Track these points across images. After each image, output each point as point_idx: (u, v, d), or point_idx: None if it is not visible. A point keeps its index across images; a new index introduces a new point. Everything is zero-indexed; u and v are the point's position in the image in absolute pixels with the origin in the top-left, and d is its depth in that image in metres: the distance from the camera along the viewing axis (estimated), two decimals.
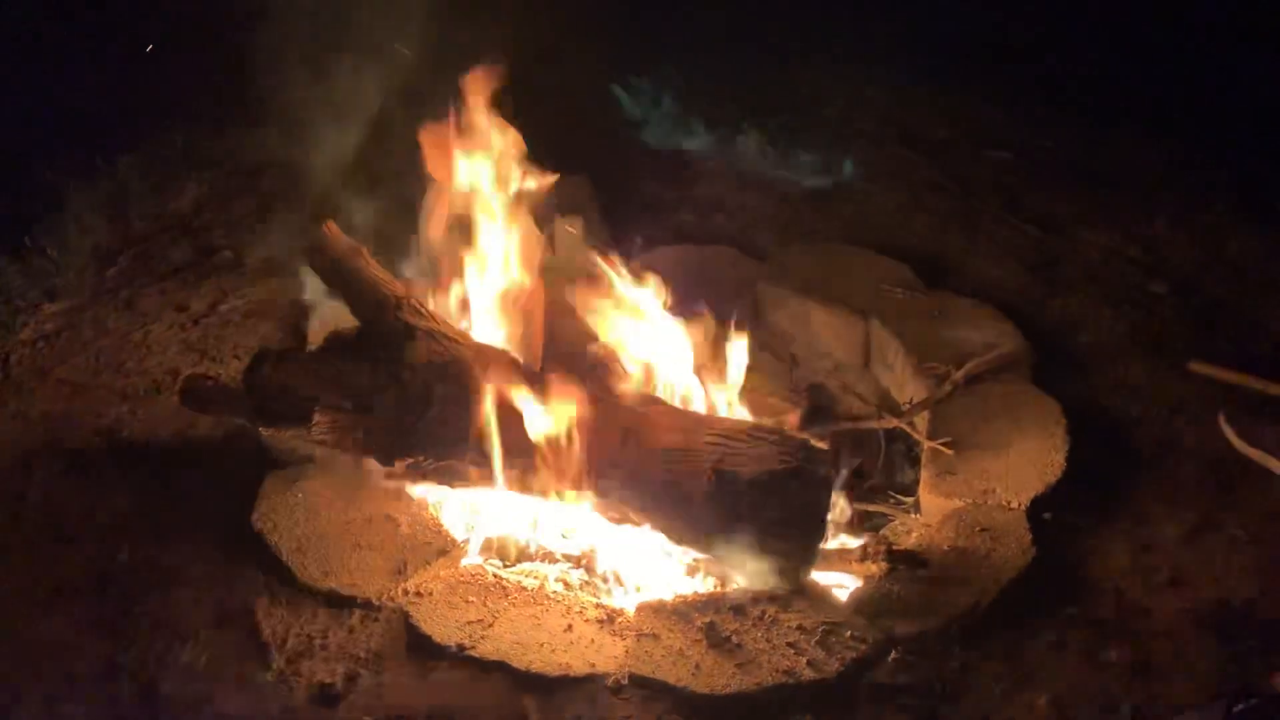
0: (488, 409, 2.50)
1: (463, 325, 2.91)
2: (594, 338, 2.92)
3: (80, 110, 4.33)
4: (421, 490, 2.77)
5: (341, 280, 2.77)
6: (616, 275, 2.98)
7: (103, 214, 4.11)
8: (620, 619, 2.44)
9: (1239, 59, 4.67)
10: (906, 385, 3.23)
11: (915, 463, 3.00)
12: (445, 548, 2.60)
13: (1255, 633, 2.37)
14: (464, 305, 2.99)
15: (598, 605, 2.49)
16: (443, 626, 2.40)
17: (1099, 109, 4.65)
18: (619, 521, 2.57)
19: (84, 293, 3.73)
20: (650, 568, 2.66)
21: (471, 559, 2.64)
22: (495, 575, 2.55)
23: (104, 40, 4.50)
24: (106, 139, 4.34)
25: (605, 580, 2.63)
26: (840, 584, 2.58)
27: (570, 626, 2.42)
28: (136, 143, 4.39)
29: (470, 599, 2.48)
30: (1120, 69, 4.81)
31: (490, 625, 2.41)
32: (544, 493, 2.55)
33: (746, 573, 2.46)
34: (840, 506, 2.77)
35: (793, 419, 2.99)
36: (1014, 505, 2.66)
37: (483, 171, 2.93)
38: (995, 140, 4.61)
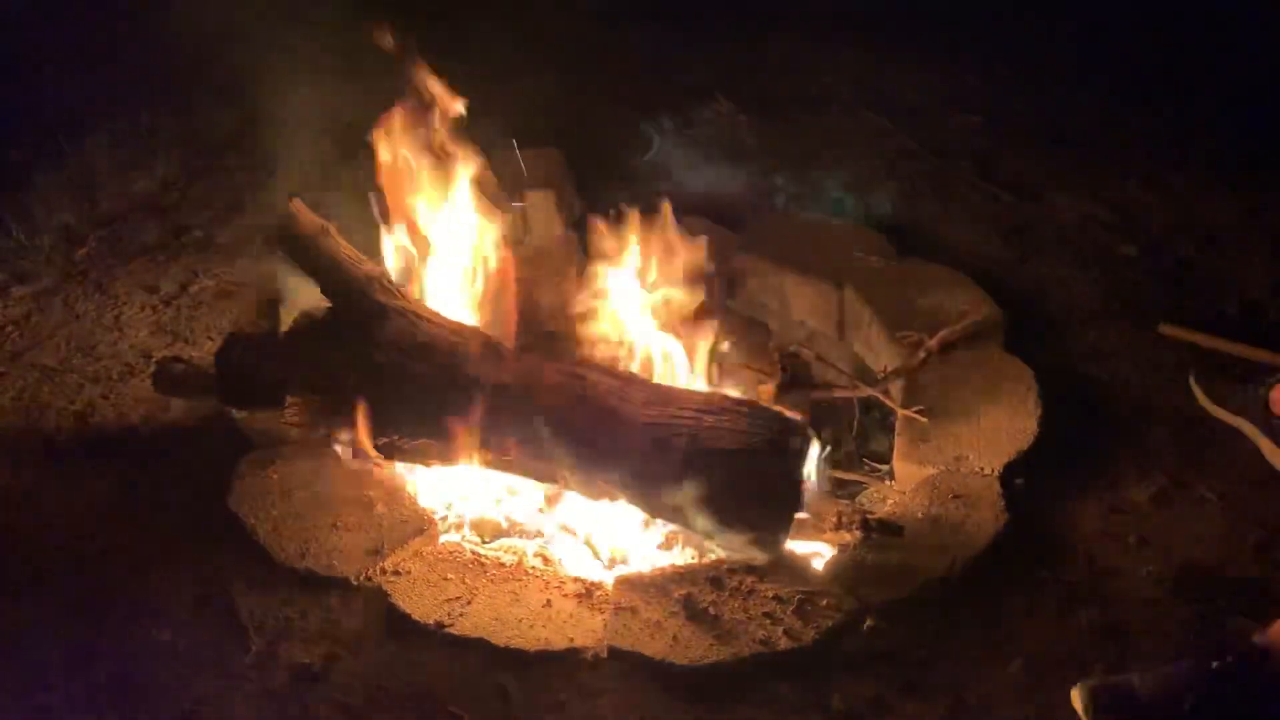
0: (463, 387, 2.50)
1: (433, 304, 2.90)
2: (567, 312, 2.91)
3: (44, 90, 4.28)
4: (397, 469, 2.77)
5: (310, 260, 2.74)
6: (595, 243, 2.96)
7: (69, 195, 4.06)
8: (598, 593, 2.45)
9: (1212, 22, 4.67)
10: (880, 353, 3.24)
11: (889, 430, 3.02)
12: (422, 526, 2.60)
13: (1223, 592, 2.41)
14: (435, 284, 2.97)
15: (575, 579, 2.50)
16: (421, 605, 2.41)
17: (1070, 72, 4.65)
18: (595, 496, 2.58)
19: (53, 275, 3.70)
20: (627, 541, 2.67)
21: (449, 536, 2.64)
22: (473, 552, 2.56)
23: (67, 20, 4.43)
24: (71, 119, 4.29)
25: (582, 554, 2.64)
26: (816, 553, 2.60)
27: (549, 602, 2.43)
28: (102, 123, 4.34)
29: (448, 576, 2.48)
30: (1091, 32, 4.81)
31: (469, 602, 2.42)
32: (519, 470, 2.55)
33: (723, 544, 2.47)
34: (816, 476, 2.78)
35: (767, 389, 3.01)
36: (987, 471, 2.68)
37: (441, 148, 2.90)
38: (967, 105, 4.60)
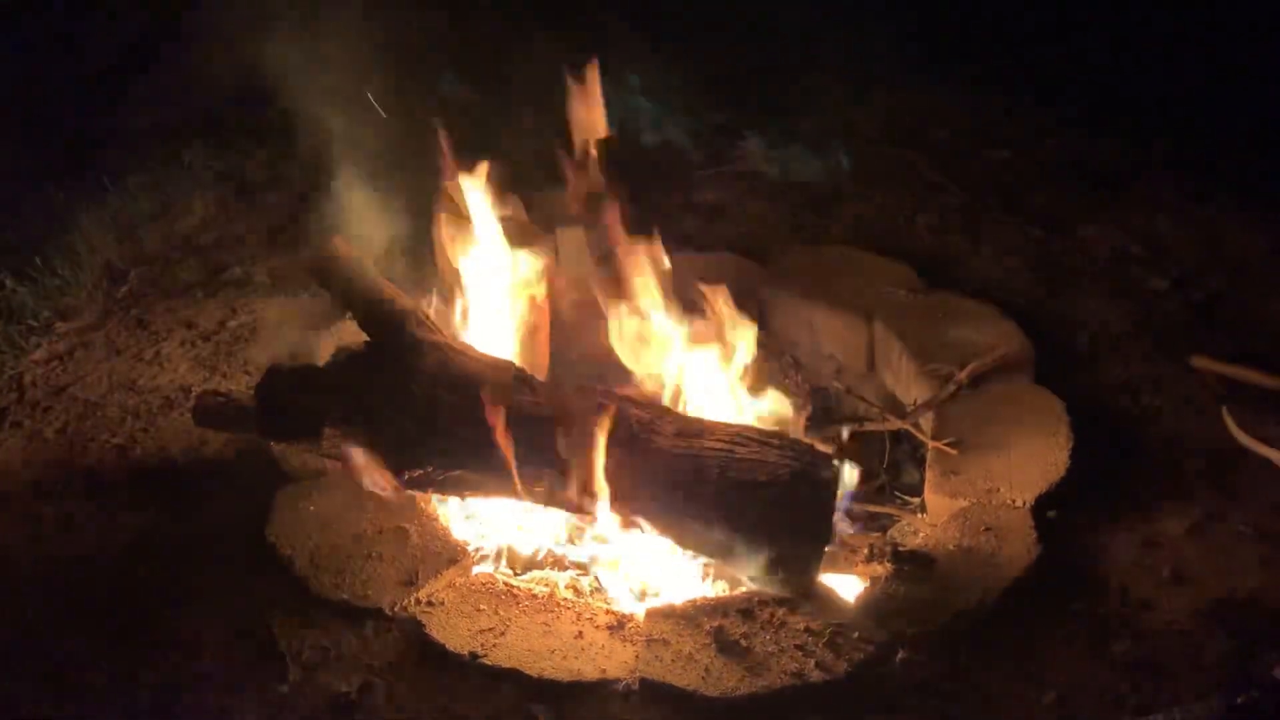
0: (497, 420, 2.53)
1: (468, 338, 2.94)
2: (601, 347, 2.95)
3: (87, 130, 4.38)
4: (432, 500, 2.80)
5: (348, 295, 2.80)
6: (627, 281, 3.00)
7: (111, 233, 4.16)
8: (630, 624, 2.46)
9: (1238, 54, 4.68)
10: (910, 386, 3.25)
11: (920, 463, 3.02)
12: (455, 557, 2.63)
13: (1260, 626, 2.39)
14: (469, 318, 3.02)
15: (608, 611, 2.52)
16: (455, 635, 2.43)
17: (1098, 106, 4.67)
18: (627, 527, 2.60)
19: (95, 312, 3.78)
20: (659, 573, 2.68)
21: (482, 568, 2.67)
22: (506, 583, 2.58)
23: (109, 62, 4.55)
24: (114, 159, 4.39)
25: (614, 587, 2.66)
26: (847, 586, 2.60)
27: (581, 633, 2.45)
28: (144, 162, 4.44)
29: (481, 607, 2.51)
30: (1119, 65, 4.83)
31: (502, 633, 2.44)
32: (554, 502, 2.58)
33: (754, 577, 2.48)
34: (847, 509, 2.79)
35: (798, 422, 3.02)
36: (1019, 504, 2.68)
37: (482, 186, 2.96)
38: (995, 139, 4.62)
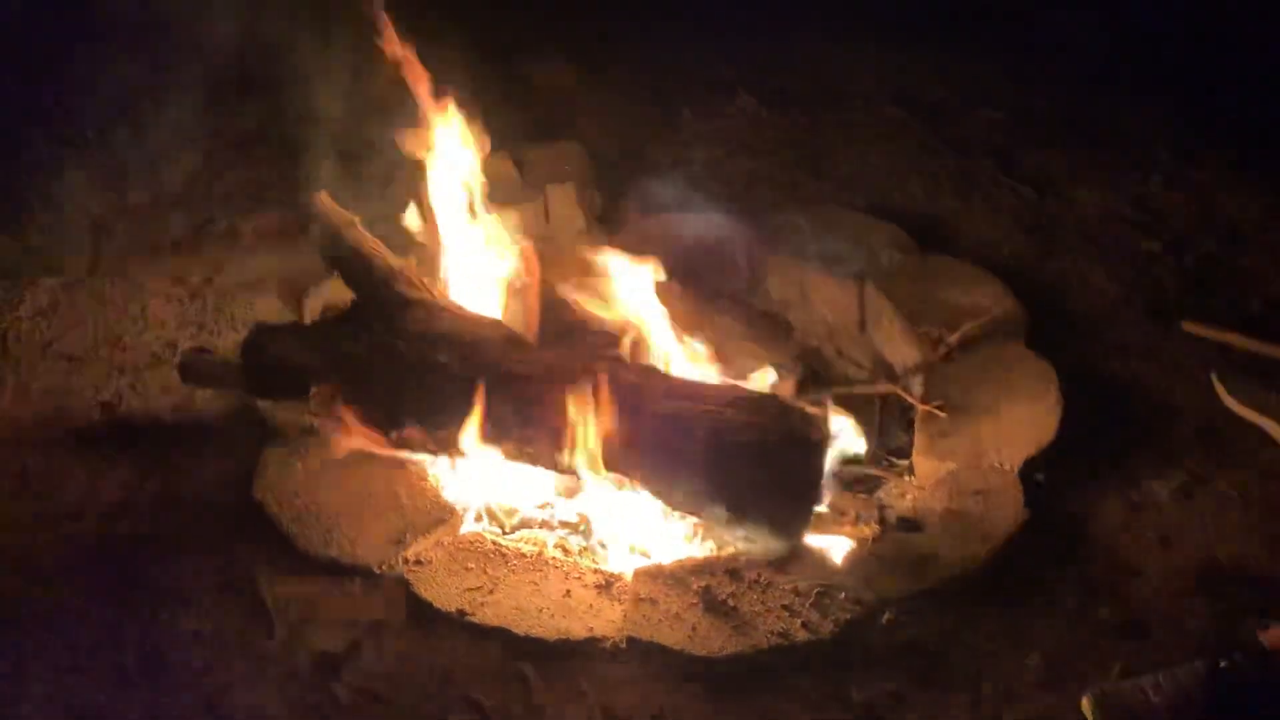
0: (487, 379, 2.52)
1: (456, 298, 2.92)
2: (588, 309, 2.93)
3: (72, 83, 4.31)
4: (419, 460, 2.79)
5: (336, 253, 2.78)
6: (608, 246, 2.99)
7: (97, 187, 4.10)
8: (618, 584, 2.47)
9: (1235, 16, 4.64)
10: (901, 349, 3.24)
11: (909, 426, 3.02)
12: (444, 516, 2.63)
13: (1244, 590, 2.41)
14: (458, 278, 2.99)
15: (595, 571, 2.52)
16: (443, 593, 2.43)
17: (1093, 67, 4.63)
18: (616, 488, 2.60)
19: (81, 267, 3.74)
20: (647, 533, 2.69)
21: (470, 527, 2.67)
22: (494, 543, 2.58)
23: (94, 14, 4.46)
24: (99, 112, 4.33)
25: (603, 546, 2.66)
26: (834, 547, 2.61)
27: (569, 592, 2.45)
28: (129, 116, 4.37)
29: (470, 566, 2.51)
30: (1114, 26, 4.78)
31: (490, 592, 2.44)
32: (543, 462, 2.57)
33: (742, 537, 2.49)
34: (836, 471, 2.79)
35: (788, 385, 3.02)
36: (1007, 467, 2.69)
37: (469, 146, 2.93)
38: (989, 100, 4.59)
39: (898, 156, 4.24)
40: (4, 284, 3.62)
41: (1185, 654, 2.21)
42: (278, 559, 2.54)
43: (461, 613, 2.38)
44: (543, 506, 2.78)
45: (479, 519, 2.73)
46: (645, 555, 2.64)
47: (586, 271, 2.95)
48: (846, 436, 2.75)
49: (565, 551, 2.63)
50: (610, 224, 3.80)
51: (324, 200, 2.77)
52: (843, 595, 2.37)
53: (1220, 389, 2.93)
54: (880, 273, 3.39)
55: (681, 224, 3.68)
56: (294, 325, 2.96)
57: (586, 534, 2.70)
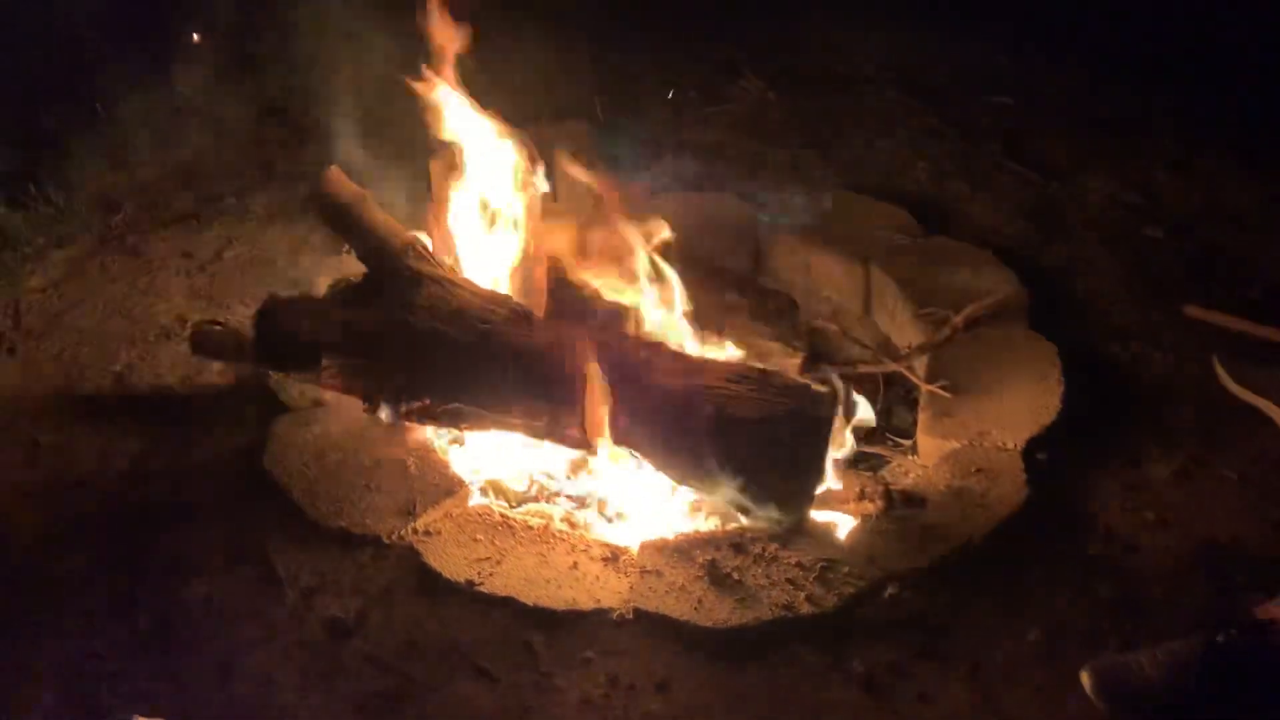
0: (495, 353, 2.54)
1: (466, 273, 2.94)
2: (595, 285, 2.95)
3: (81, 58, 4.33)
4: (430, 433, 2.82)
5: (347, 227, 2.79)
6: (619, 220, 3.00)
7: (106, 161, 4.13)
8: (624, 557, 2.50)
9: (1238, 4, 4.65)
10: (905, 330, 3.27)
11: (913, 406, 3.05)
12: (453, 489, 2.65)
13: (1241, 569, 2.44)
14: (467, 253, 3.01)
15: (602, 544, 2.55)
16: (452, 564, 2.46)
17: (1099, 54, 4.64)
18: (624, 462, 2.63)
19: (90, 240, 3.76)
20: (653, 507, 2.72)
21: (479, 499, 2.70)
22: (502, 515, 2.61)
23: None
24: (108, 87, 4.34)
25: (609, 519, 2.69)
26: (838, 523, 2.64)
27: (576, 564, 2.48)
28: (138, 90, 4.39)
29: (478, 537, 2.54)
30: (1119, 13, 4.79)
31: (498, 563, 2.47)
32: (552, 436, 2.60)
33: (747, 512, 2.51)
34: (842, 447, 2.82)
35: (794, 363, 3.04)
36: (1009, 447, 2.71)
37: (480, 122, 2.93)
38: (995, 86, 4.60)
39: (903, 140, 4.26)
40: (15, 256, 3.65)
41: (1183, 631, 2.24)
42: (288, 528, 2.57)
43: (470, 583, 2.41)
44: (550, 479, 2.81)
45: (485, 493, 2.76)
46: (651, 529, 2.67)
47: (594, 246, 2.96)
48: (861, 408, 2.78)
49: (572, 525, 2.66)
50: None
51: (334, 174, 2.78)
52: (846, 570, 2.40)
53: (1221, 372, 2.96)
54: (885, 254, 3.41)
55: (688, 204, 3.70)
56: (306, 299, 2.98)
57: (593, 507, 2.72)
